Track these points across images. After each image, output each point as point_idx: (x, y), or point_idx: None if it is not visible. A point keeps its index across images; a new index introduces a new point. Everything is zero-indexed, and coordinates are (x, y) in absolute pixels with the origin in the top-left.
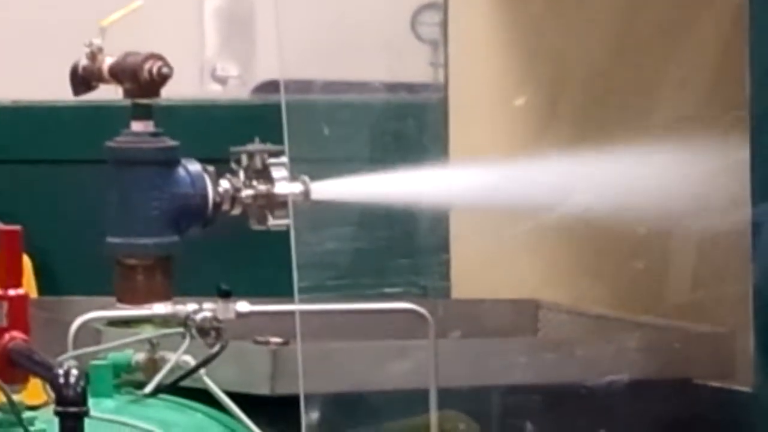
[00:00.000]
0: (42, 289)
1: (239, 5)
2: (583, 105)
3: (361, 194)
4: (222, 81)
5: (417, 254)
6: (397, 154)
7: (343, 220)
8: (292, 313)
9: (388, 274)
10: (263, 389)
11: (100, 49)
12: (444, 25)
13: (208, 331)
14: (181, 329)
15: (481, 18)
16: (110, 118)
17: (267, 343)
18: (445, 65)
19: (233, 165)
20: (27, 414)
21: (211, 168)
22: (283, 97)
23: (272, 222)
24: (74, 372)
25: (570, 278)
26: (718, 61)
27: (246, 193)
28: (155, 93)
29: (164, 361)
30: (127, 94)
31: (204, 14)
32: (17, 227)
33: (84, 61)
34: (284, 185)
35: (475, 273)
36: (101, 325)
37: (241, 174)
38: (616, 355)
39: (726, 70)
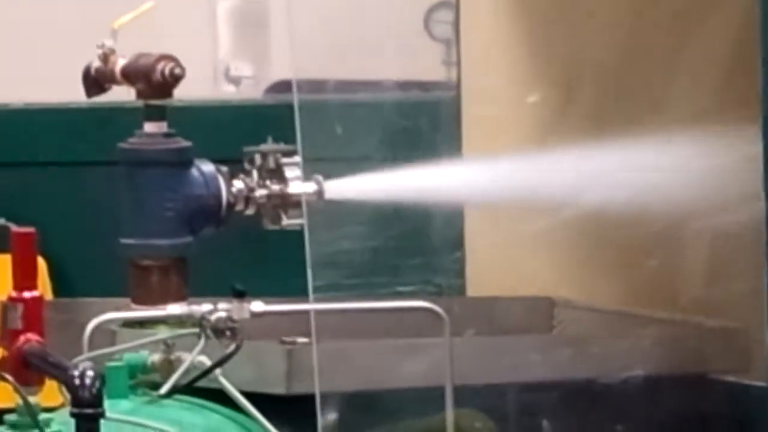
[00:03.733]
0: (57, 291)
1: (252, 5)
2: (595, 101)
3: (375, 193)
4: (235, 81)
5: (431, 252)
6: (410, 153)
7: (356, 219)
8: (307, 312)
9: (402, 273)
10: (279, 389)
11: (113, 51)
12: (456, 23)
13: (223, 331)
14: (196, 330)
15: (493, 15)
16: (123, 119)
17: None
18: (458, 63)
19: (246, 165)
20: (43, 416)
21: (224, 168)
22: (296, 97)
23: (286, 222)
24: (90, 373)
25: (585, 275)
26: (731, 56)
27: (260, 193)
28: (168, 94)
29: (180, 361)
30: (140, 95)
31: (217, 14)
32: (31, 229)
33: (96, 63)
34: (298, 185)
35: (489, 270)
36: (116, 327)
37: (255, 174)
38: (631, 351)
39: (738, 65)
